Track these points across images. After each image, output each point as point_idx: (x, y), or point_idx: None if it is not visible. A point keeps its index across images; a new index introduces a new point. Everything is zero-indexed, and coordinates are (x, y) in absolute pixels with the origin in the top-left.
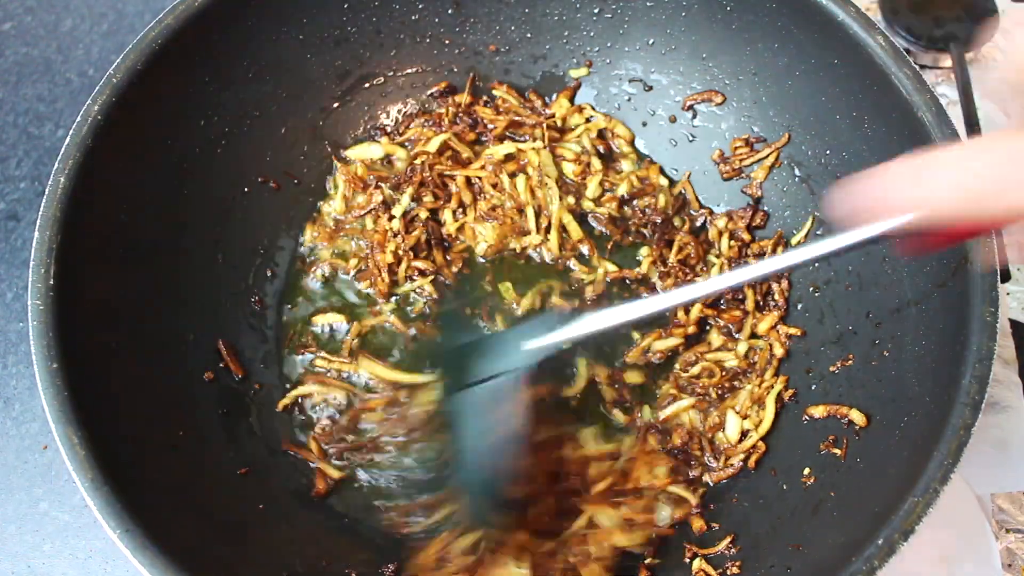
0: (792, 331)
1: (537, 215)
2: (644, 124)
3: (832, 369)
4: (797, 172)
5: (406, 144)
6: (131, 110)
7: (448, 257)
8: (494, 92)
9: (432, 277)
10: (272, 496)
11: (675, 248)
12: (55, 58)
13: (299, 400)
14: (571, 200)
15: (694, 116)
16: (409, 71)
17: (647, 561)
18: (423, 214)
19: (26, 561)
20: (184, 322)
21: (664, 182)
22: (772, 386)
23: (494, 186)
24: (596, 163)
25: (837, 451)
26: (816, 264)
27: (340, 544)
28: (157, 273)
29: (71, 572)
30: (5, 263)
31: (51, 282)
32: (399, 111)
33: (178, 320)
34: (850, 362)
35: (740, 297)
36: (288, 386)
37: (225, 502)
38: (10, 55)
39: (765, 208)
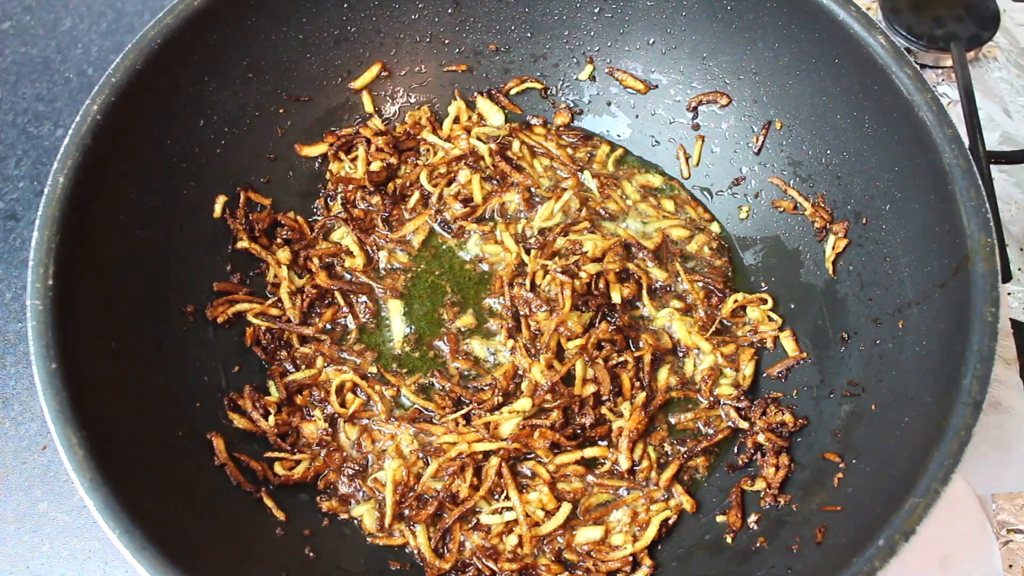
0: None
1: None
2: (636, 119)
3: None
4: (798, 173)
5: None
6: (130, 110)
7: None
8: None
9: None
10: (271, 496)
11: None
12: (54, 57)
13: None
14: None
15: (695, 116)
16: (409, 71)
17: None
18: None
19: (25, 562)
20: (183, 322)
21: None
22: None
23: None
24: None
25: (835, 458)
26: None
27: (340, 546)
28: (156, 273)
29: (69, 573)
30: (4, 263)
31: (50, 282)
32: (400, 109)
33: (177, 320)
34: (852, 362)
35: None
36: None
37: (224, 503)
38: (9, 54)
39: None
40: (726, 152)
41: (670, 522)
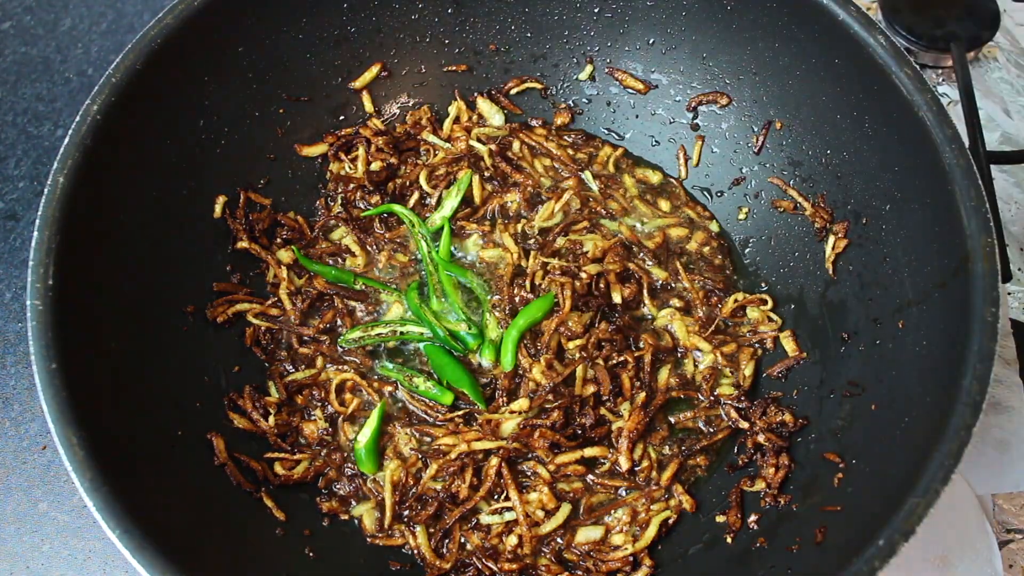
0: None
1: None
2: (636, 119)
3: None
4: (797, 172)
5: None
6: (130, 110)
7: None
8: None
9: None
10: (271, 496)
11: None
12: (54, 57)
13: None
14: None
15: (695, 116)
16: (409, 71)
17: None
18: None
19: (24, 562)
20: (183, 322)
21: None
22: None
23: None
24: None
25: (835, 458)
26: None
27: (340, 546)
28: (156, 273)
29: (69, 573)
30: (4, 263)
31: (50, 282)
32: (400, 109)
33: (177, 320)
34: (851, 364)
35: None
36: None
37: (224, 503)
38: (9, 54)
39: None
40: (726, 152)
41: (670, 522)
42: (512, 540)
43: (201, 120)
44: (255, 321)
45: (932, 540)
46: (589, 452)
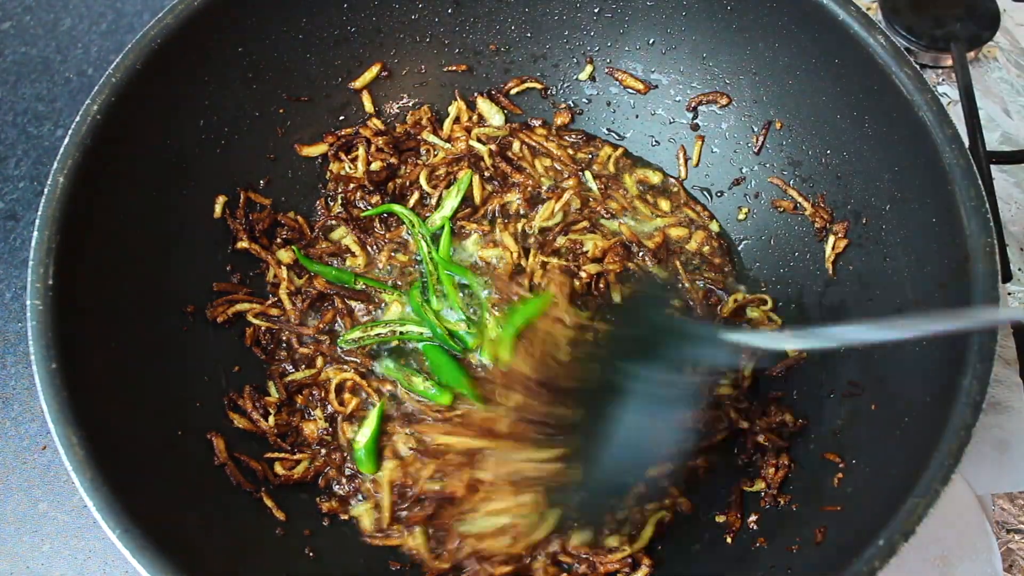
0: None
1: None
2: (636, 119)
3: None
4: (797, 172)
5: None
6: (130, 110)
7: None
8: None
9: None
10: (271, 496)
11: None
12: (54, 57)
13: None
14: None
15: (695, 116)
16: (409, 71)
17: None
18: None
19: (24, 562)
20: (183, 322)
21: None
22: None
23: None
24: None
25: (835, 458)
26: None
27: (340, 546)
28: (156, 273)
29: (70, 573)
30: (4, 263)
31: (50, 282)
32: (400, 109)
33: (177, 320)
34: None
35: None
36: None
37: (224, 503)
38: (9, 54)
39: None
40: (726, 152)
41: (666, 522)
42: (506, 541)
43: (201, 120)
44: (255, 321)
45: (932, 540)
46: None
